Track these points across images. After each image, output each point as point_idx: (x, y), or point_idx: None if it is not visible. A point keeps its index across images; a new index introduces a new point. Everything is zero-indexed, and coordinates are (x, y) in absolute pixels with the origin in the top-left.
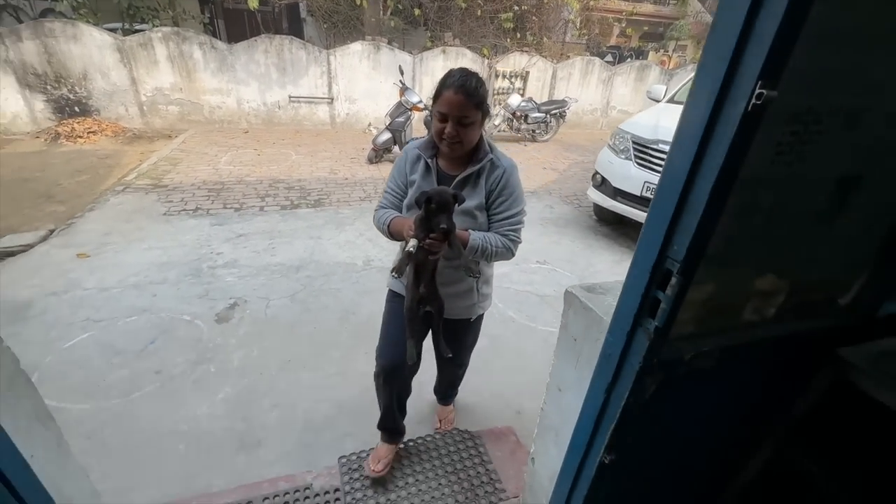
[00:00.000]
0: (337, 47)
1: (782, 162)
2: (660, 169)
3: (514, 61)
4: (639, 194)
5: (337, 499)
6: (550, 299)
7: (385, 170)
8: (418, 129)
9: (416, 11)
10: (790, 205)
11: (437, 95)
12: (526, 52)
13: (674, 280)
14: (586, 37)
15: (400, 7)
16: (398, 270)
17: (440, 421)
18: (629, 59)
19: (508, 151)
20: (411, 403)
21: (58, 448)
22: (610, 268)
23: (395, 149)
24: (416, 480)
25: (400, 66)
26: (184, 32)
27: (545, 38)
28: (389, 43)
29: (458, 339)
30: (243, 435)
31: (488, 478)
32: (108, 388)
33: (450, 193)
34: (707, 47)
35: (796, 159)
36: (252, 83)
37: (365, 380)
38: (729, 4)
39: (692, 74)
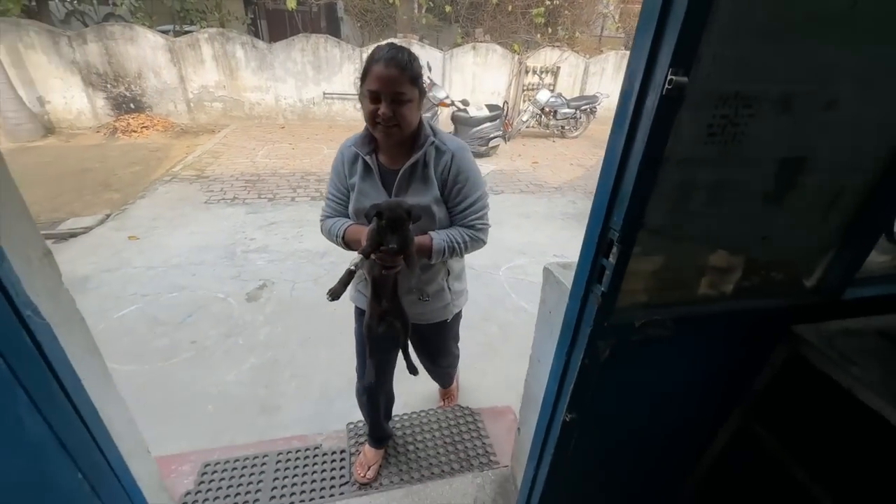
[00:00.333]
0: (369, 45)
1: (716, 142)
2: None
3: (545, 57)
4: None
5: (342, 459)
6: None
7: None
8: (445, 124)
9: (447, 8)
10: (732, 184)
11: (364, 74)
12: (557, 47)
13: (615, 248)
14: (623, 31)
15: (432, 4)
16: (334, 293)
17: (443, 399)
18: None
19: (536, 147)
20: (419, 379)
21: (103, 376)
22: None
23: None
24: (416, 448)
25: (427, 63)
26: (227, 33)
27: (577, 33)
28: (421, 40)
29: (438, 342)
30: (265, 400)
31: (484, 450)
32: (151, 354)
33: (404, 209)
34: (634, 41)
35: (731, 140)
36: (289, 80)
37: None
38: (648, 2)
39: None
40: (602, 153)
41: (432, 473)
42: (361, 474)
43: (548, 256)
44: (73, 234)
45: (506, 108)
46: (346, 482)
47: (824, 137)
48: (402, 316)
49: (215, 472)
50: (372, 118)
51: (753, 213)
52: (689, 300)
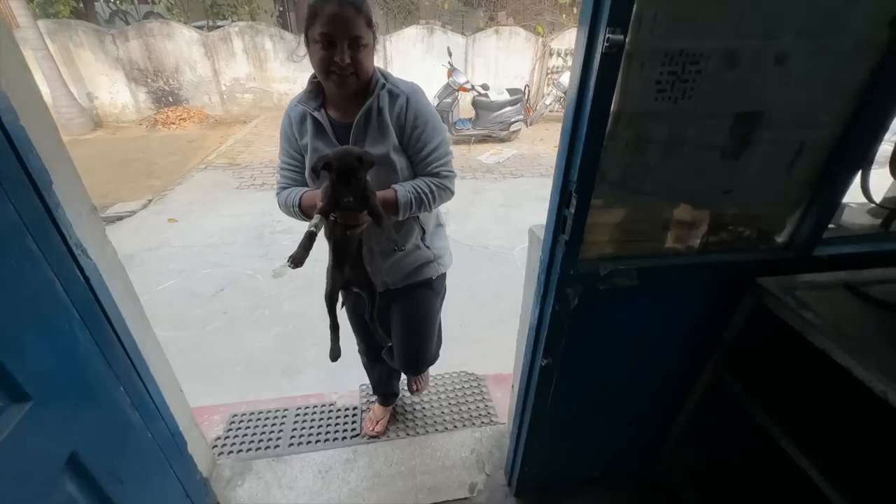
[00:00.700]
0: (392, 32)
1: (666, 98)
2: None
3: (570, 38)
4: None
5: (355, 415)
6: None
7: None
8: (466, 110)
9: None
10: (688, 139)
11: (312, 16)
12: None
13: (573, 199)
14: None
15: None
16: (295, 259)
17: (412, 383)
18: None
19: (559, 131)
20: None
21: (140, 319)
22: None
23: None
24: (422, 408)
25: (448, 48)
26: (256, 26)
27: None
28: (443, 26)
29: (421, 308)
30: (287, 364)
31: (486, 411)
32: (188, 322)
33: (354, 156)
34: (583, 4)
35: (681, 96)
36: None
37: None
38: None
39: None
40: None
41: (436, 429)
42: (371, 428)
43: None
44: (119, 218)
45: (527, 92)
46: (357, 434)
47: (779, 92)
48: (368, 285)
49: (241, 421)
50: (325, 67)
51: (712, 167)
52: (656, 253)
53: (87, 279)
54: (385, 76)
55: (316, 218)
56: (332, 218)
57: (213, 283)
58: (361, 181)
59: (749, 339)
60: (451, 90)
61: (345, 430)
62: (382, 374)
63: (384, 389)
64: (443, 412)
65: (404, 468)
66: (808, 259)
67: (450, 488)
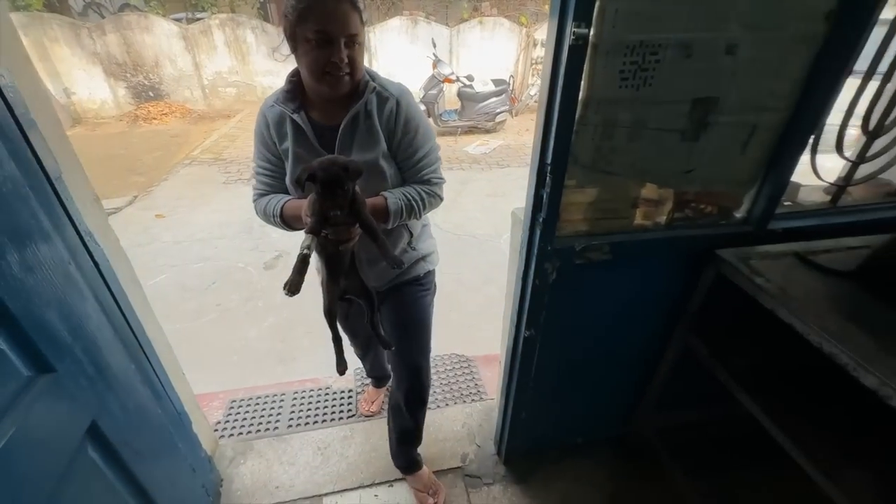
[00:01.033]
0: (376, 24)
1: (629, 86)
2: None
3: None
4: None
5: (350, 397)
6: None
7: None
8: (451, 101)
9: None
10: (650, 122)
11: (303, 14)
12: None
13: (548, 179)
14: None
15: None
16: (291, 286)
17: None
18: None
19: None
20: None
21: (144, 303)
22: None
23: (430, 122)
24: None
25: (433, 39)
26: (237, 18)
27: None
28: (427, 17)
29: (410, 307)
30: (282, 352)
31: (476, 389)
32: (182, 315)
33: (339, 166)
34: (551, 3)
35: (643, 84)
36: None
37: None
38: None
39: None
40: None
41: (429, 407)
42: (366, 408)
43: None
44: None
45: (512, 82)
46: (353, 415)
47: (731, 79)
48: (365, 291)
49: (241, 406)
50: (321, 67)
51: (674, 148)
52: (626, 229)
53: (96, 263)
54: (372, 76)
55: (307, 238)
56: (323, 234)
57: (205, 276)
58: (349, 192)
59: (713, 306)
60: (436, 82)
61: (341, 411)
62: (374, 362)
63: (377, 373)
64: (434, 391)
65: None
66: (763, 232)
67: (443, 458)
